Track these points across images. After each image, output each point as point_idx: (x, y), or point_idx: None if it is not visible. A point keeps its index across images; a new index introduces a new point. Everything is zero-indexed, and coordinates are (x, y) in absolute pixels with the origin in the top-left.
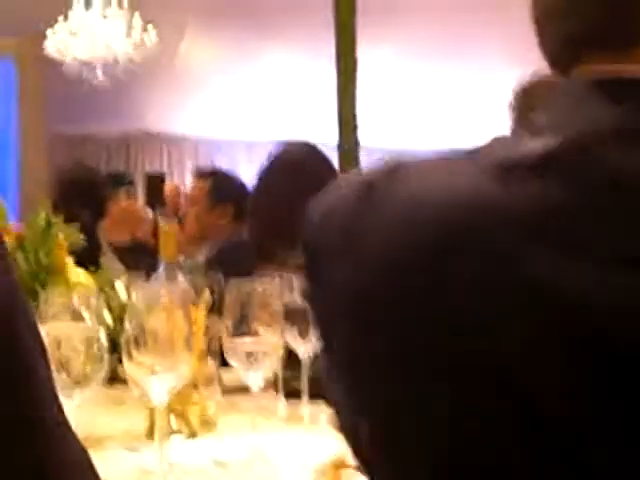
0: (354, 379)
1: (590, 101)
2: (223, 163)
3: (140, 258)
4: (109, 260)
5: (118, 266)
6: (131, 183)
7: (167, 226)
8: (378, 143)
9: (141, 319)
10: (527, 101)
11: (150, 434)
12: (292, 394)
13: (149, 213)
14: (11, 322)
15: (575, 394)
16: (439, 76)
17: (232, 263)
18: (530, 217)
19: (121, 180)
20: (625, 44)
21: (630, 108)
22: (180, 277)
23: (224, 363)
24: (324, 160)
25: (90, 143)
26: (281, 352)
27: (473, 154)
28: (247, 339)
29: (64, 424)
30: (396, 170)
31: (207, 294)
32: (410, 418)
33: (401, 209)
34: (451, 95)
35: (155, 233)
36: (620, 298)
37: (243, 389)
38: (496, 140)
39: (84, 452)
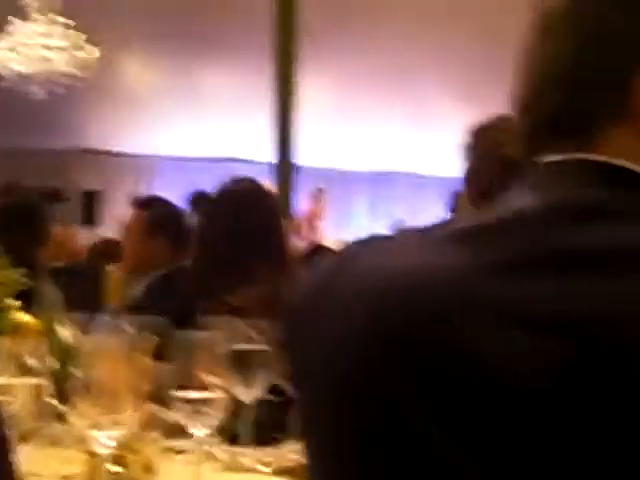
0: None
1: (541, 181)
2: (161, 181)
3: (76, 282)
4: (46, 286)
5: (55, 292)
6: (67, 200)
7: (113, 272)
8: (315, 163)
9: (87, 369)
10: (484, 139)
11: None
12: (235, 439)
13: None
14: None
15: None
16: (376, 104)
17: (164, 297)
18: (452, 280)
19: (56, 197)
20: (580, 134)
21: (572, 187)
22: (125, 324)
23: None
24: (268, 197)
25: (27, 158)
26: (226, 404)
27: (427, 231)
28: (192, 393)
29: None
30: (366, 246)
31: (151, 339)
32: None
33: (364, 281)
34: (387, 121)
35: (91, 253)
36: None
37: (185, 432)
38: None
39: None
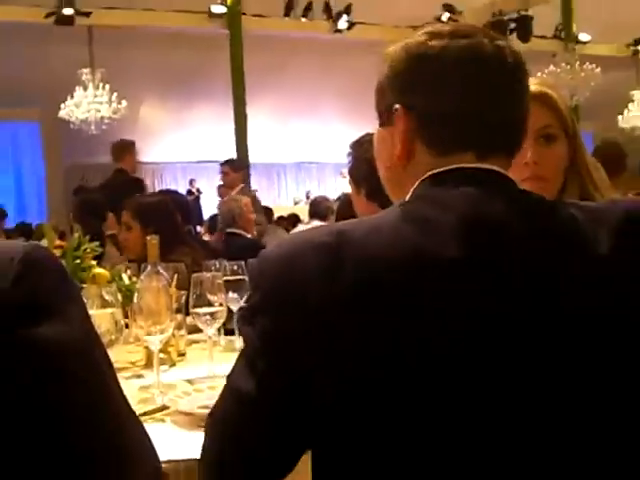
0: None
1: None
2: (171, 179)
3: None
4: (109, 245)
5: (114, 250)
6: None
7: (152, 239)
8: (258, 159)
9: (141, 298)
10: (360, 149)
11: (147, 365)
12: (228, 332)
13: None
14: (90, 353)
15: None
16: (295, 119)
17: None
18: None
19: None
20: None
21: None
22: (161, 270)
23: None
24: None
25: (87, 168)
26: (225, 315)
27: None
28: (204, 309)
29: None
30: (341, 234)
31: (176, 278)
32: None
33: (365, 270)
34: (301, 130)
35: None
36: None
37: (200, 330)
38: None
39: (141, 423)
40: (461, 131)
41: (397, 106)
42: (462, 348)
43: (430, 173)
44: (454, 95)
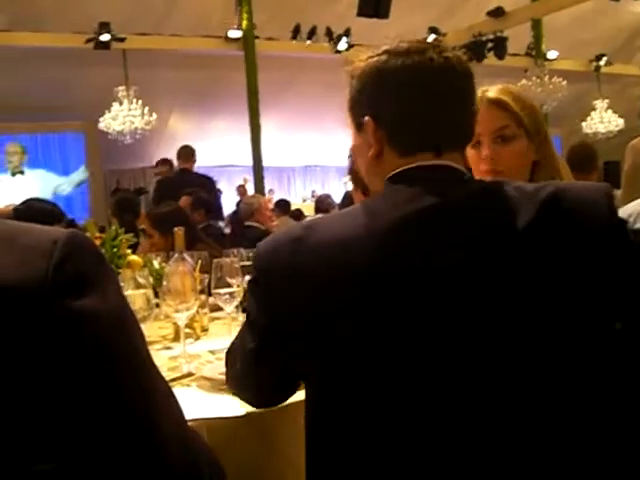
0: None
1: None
2: None
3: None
4: (142, 237)
5: (146, 241)
6: (147, 192)
7: (179, 231)
8: (271, 163)
9: (169, 280)
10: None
11: (175, 338)
12: (245, 310)
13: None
14: (124, 325)
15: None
16: (303, 128)
17: None
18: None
19: (141, 192)
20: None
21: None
22: (187, 257)
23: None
24: None
25: (124, 173)
26: (242, 295)
27: (351, 217)
28: (224, 290)
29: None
30: (310, 227)
31: (199, 263)
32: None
33: (322, 250)
34: (308, 137)
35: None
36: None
37: (221, 309)
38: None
39: (167, 384)
40: (420, 134)
41: (367, 118)
42: (405, 291)
43: (393, 173)
44: (412, 104)
